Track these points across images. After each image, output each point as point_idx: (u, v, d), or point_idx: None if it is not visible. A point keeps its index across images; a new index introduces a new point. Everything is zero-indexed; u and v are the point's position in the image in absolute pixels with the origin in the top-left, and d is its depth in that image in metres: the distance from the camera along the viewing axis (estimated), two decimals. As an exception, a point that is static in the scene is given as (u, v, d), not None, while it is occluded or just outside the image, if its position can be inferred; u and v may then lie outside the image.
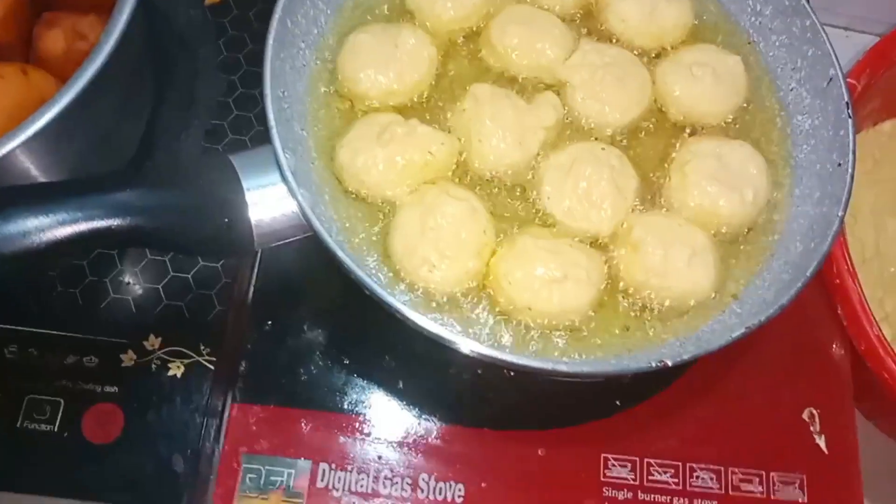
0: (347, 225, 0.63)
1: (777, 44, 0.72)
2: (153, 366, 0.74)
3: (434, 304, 0.61)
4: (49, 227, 0.50)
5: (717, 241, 0.65)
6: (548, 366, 0.56)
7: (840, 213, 0.61)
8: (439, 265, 0.60)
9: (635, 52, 0.72)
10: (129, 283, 0.77)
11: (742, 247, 0.66)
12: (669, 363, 0.55)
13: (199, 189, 0.56)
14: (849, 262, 0.76)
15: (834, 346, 0.76)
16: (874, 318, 0.75)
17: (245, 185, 0.57)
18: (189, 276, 0.77)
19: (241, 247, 0.57)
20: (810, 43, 0.69)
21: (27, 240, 0.48)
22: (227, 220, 0.56)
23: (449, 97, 0.68)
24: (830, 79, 0.67)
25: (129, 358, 0.74)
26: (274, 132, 0.59)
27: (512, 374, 0.70)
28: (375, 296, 0.56)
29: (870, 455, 0.72)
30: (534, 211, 0.65)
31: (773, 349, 0.76)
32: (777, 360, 0.76)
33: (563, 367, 0.56)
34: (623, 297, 0.63)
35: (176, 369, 0.74)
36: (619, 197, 0.64)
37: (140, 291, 0.77)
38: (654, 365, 0.55)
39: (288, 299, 0.74)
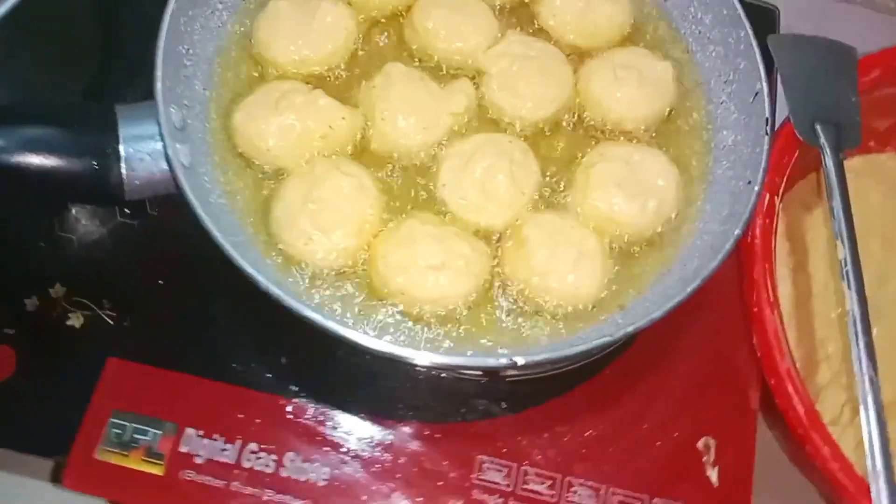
0: (231, 189, 0.62)
1: (713, 55, 0.69)
2: (54, 313, 0.74)
3: (309, 279, 0.60)
4: None
5: (612, 248, 0.63)
6: (391, 349, 0.54)
7: (737, 232, 0.58)
8: (317, 239, 0.59)
9: (565, 50, 0.69)
10: (44, 231, 0.77)
11: (640, 258, 0.63)
12: (521, 362, 0.53)
13: (73, 132, 0.56)
14: (770, 292, 0.73)
15: (745, 376, 0.73)
16: (789, 353, 0.71)
17: (122, 134, 0.57)
18: (106, 230, 0.77)
19: (110, 194, 0.57)
20: (743, 55, 0.66)
21: None
22: (95, 165, 0.56)
23: (363, 74, 0.67)
24: (756, 93, 0.64)
25: (32, 303, 0.74)
26: (159, 85, 0.58)
27: (396, 363, 0.68)
28: (234, 262, 0.55)
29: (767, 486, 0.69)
30: (429, 197, 0.64)
31: (680, 373, 0.73)
32: (683, 384, 0.72)
33: (404, 353, 0.54)
34: (503, 294, 0.61)
35: (76, 319, 0.74)
36: (516, 192, 0.62)
37: (54, 240, 0.77)
38: (501, 363, 0.53)
39: (187, 261, 0.73)
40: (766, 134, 0.62)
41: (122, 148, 0.57)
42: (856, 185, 0.93)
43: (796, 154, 0.79)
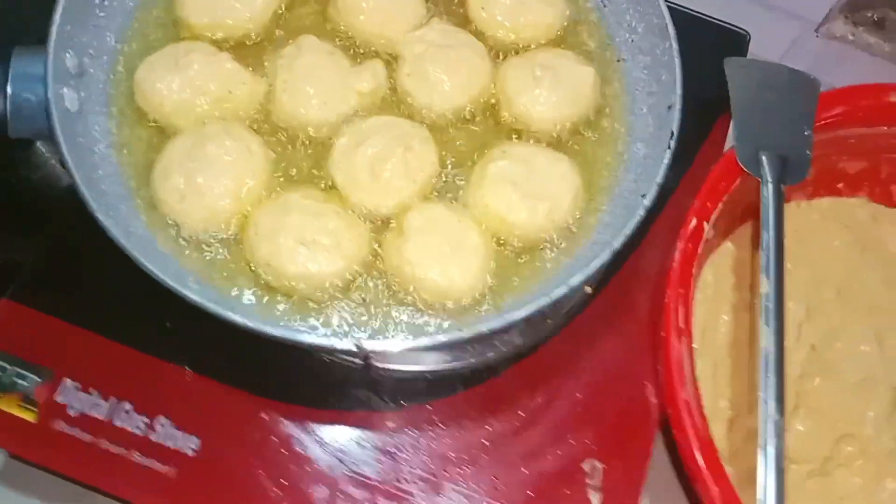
0: (122, 141, 0.62)
1: (641, 65, 0.67)
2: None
3: (175, 238, 0.59)
4: None
5: (501, 249, 0.61)
6: (233, 316, 0.53)
7: (616, 245, 0.56)
8: (189, 197, 0.58)
9: (492, 44, 0.68)
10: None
11: (528, 262, 0.61)
12: (367, 349, 0.51)
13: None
14: (680, 319, 0.69)
15: (645, 405, 0.70)
16: (692, 383, 0.68)
17: (12, 72, 0.57)
18: (36, 176, 0.78)
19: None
20: (666, 67, 0.64)
21: None
22: (-23, 98, 0.56)
23: (280, 45, 0.66)
24: (670, 106, 0.62)
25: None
26: (54, 29, 0.58)
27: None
28: (88, 208, 0.54)
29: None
30: (321, 173, 0.62)
31: (580, 389, 0.70)
32: (580, 401, 0.69)
33: (236, 318, 0.52)
34: (376, 279, 0.59)
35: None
36: (407, 179, 0.61)
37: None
38: (347, 346, 0.51)
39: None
40: (668, 147, 0.59)
41: (8, 86, 0.57)
42: (820, 228, 0.89)
43: (737, 182, 0.76)
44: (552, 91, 0.64)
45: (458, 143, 0.65)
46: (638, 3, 0.67)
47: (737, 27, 0.86)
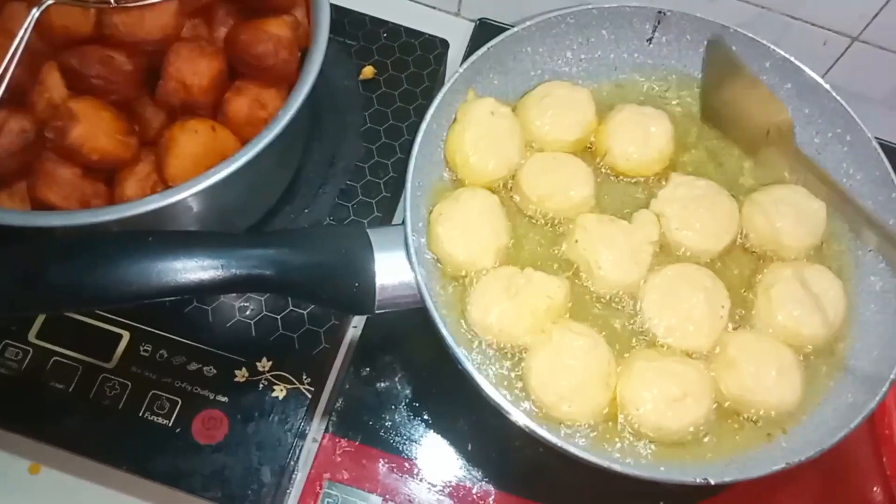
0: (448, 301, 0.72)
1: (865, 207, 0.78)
2: (261, 385, 0.84)
3: (559, 428, 0.69)
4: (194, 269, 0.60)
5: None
6: (605, 463, 0.64)
7: (892, 377, 0.68)
8: (574, 400, 0.67)
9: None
10: (253, 310, 0.88)
11: (816, 368, 0.72)
12: (712, 482, 0.62)
13: (338, 253, 0.67)
14: (899, 417, 0.81)
15: (875, 489, 0.82)
16: (916, 473, 0.80)
17: (376, 255, 0.67)
18: (304, 312, 0.88)
19: (363, 308, 0.67)
20: (892, 214, 0.75)
21: (170, 278, 0.58)
22: (357, 283, 0.66)
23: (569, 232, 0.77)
24: (903, 252, 0.74)
25: (241, 374, 0.84)
26: (408, 215, 0.69)
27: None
28: (466, 372, 0.65)
29: None
30: (636, 330, 0.73)
31: (816, 482, 0.81)
32: (819, 492, 0.81)
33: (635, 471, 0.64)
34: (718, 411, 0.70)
35: (279, 392, 0.84)
36: (715, 315, 0.71)
37: (261, 318, 0.88)
38: (698, 481, 0.62)
39: (386, 353, 0.84)
40: (915, 292, 0.71)
41: (376, 268, 0.67)
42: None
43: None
44: (796, 224, 0.75)
45: (726, 274, 0.75)
46: (855, 154, 0.79)
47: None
